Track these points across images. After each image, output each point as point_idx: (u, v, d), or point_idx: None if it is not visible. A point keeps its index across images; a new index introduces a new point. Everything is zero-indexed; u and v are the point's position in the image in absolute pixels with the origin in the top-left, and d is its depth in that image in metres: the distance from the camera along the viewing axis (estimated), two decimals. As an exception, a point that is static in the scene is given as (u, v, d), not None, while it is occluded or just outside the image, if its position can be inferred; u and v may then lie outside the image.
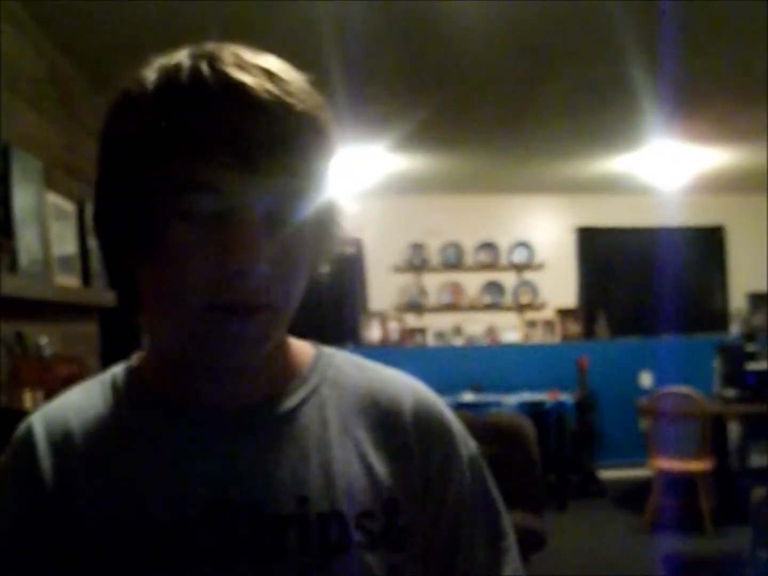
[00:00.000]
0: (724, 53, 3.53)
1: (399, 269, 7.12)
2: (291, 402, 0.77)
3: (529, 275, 7.28)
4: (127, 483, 0.73)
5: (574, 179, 6.55)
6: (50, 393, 2.01)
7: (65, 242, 2.79)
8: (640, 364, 6.88)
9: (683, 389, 5.25)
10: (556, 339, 7.21)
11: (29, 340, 2.40)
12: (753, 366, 5.63)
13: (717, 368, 5.88)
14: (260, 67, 0.68)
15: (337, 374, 0.81)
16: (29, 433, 0.77)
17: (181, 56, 0.69)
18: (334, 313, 6.72)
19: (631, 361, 6.90)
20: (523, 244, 7.26)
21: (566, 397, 6.30)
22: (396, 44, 3.32)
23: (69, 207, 2.88)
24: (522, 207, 7.27)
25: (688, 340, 6.88)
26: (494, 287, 7.24)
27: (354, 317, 7.02)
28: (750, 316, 7.28)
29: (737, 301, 7.46)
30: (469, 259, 7.21)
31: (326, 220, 0.75)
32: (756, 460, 5.86)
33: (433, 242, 7.15)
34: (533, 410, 5.88)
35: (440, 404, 0.83)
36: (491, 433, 3.75)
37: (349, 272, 6.82)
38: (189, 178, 0.66)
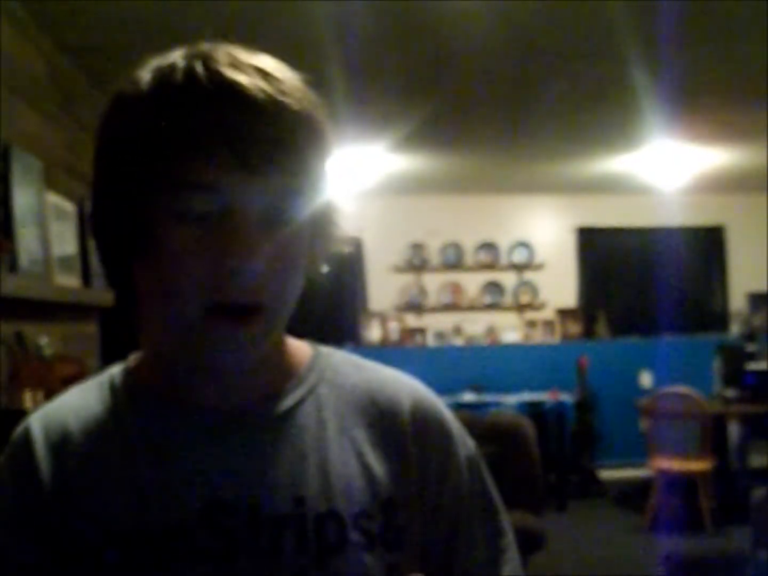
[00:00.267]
0: (724, 53, 3.53)
1: (399, 269, 7.12)
2: (288, 402, 0.77)
3: (529, 275, 7.28)
4: (125, 483, 0.73)
5: (574, 179, 6.55)
6: (50, 393, 2.02)
7: (65, 242, 2.79)
8: (640, 364, 6.87)
9: (683, 389, 5.25)
10: (556, 339, 7.21)
11: (29, 340, 2.40)
12: (753, 366, 5.64)
13: (717, 368, 5.88)
14: (255, 67, 0.68)
15: (334, 374, 0.81)
16: (27, 435, 0.77)
17: (176, 56, 0.69)
18: (334, 313, 6.70)
19: (631, 361, 6.89)
20: (523, 244, 7.25)
21: (566, 397, 6.30)
22: (396, 44, 3.32)
23: (69, 207, 2.88)
24: (522, 207, 7.27)
25: (688, 340, 6.88)
26: (494, 287, 7.24)
27: (354, 317, 7.02)
28: (750, 316, 7.28)
29: (737, 301, 7.46)
30: (469, 259, 7.21)
31: (323, 219, 0.75)
32: (756, 460, 5.86)
33: (433, 242, 7.14)
34: (533, 410, 5.88)
35: (439, 404, 0.83)
36: (491, 433, 3.75)
37: (349, 272, 6.83)
38: (184, 178, 0.66)
